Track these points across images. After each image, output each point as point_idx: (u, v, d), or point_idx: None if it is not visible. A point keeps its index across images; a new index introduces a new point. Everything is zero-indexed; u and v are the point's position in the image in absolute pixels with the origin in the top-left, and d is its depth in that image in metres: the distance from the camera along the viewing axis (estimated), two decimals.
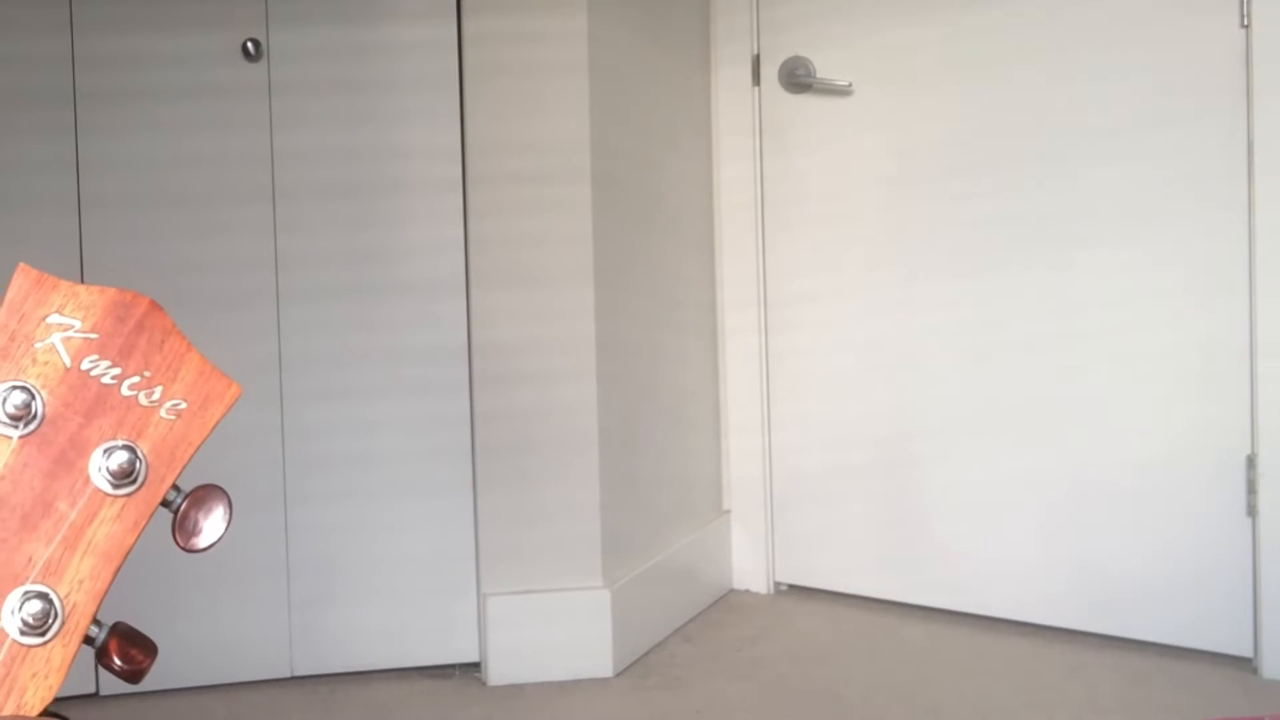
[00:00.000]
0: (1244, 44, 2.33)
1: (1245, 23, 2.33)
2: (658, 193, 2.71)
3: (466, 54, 2.41)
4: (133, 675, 0.58)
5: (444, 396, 2.43)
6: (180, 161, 2.36)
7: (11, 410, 0.54)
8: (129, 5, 2.34)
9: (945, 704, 2.32)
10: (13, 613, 0.53)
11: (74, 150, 2.32)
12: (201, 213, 2.37)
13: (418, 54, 2.41)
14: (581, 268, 2.43)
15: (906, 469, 2.73)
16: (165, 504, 0.57)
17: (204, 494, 0.58)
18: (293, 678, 2.43)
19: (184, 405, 0.57)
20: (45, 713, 0.54)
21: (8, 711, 0.53)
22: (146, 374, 0.57)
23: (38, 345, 0.56)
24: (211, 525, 0.58)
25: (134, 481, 0.56)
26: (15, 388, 0.55)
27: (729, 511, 2.92)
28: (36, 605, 0.54)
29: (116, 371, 0.56)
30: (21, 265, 0.56)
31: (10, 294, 0.56)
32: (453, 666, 2.48)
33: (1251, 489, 2.37)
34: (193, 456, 0.58)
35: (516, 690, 2.40)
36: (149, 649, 0.58)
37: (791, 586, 2.88)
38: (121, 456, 0.55)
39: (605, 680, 2.44)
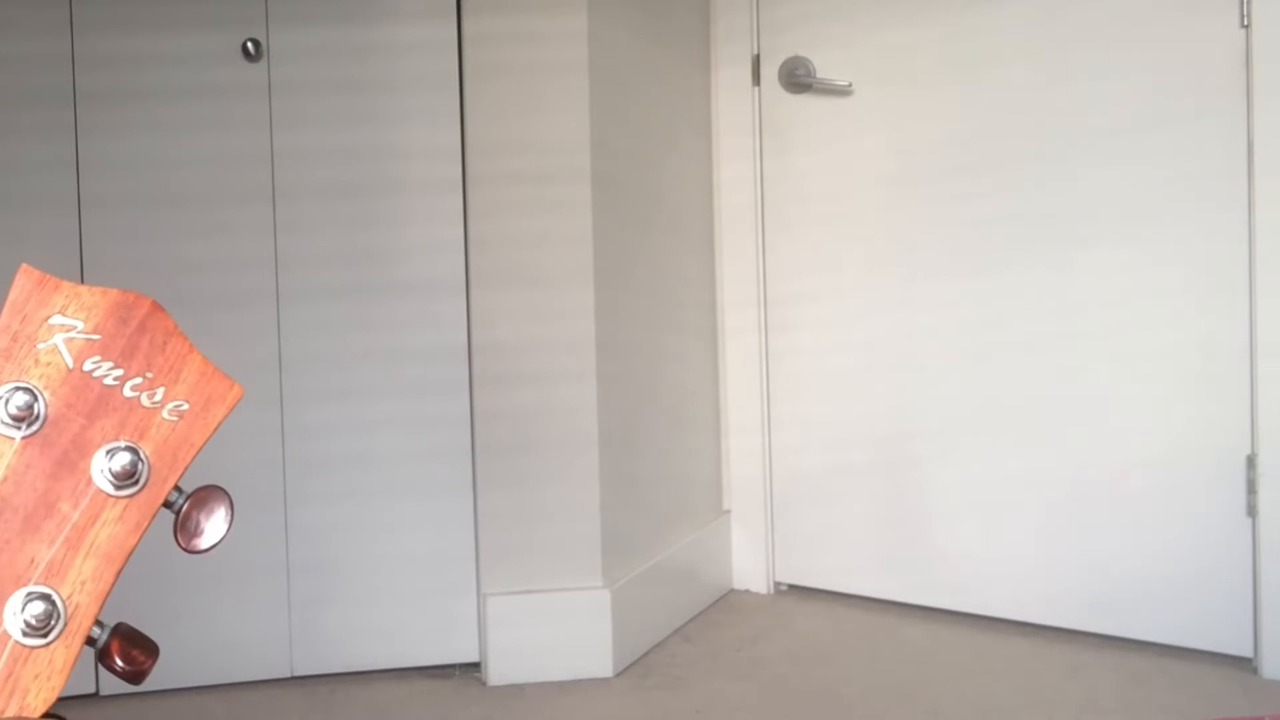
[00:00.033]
0: (1244, 44, 2.33)
1: (1245, 23, 2.33)
2: (658, 193, 2.71)
3: (466, 54, 2.41)
4: (134, 676, 0.58)
5: (444, 396, 2.43)
6: (180, 161, 2.36)
7: (14, 411, 0.54)
8: (129, 5, 2.33)
9: (945, 704, 2.32)
10: (15, 614, 0.53)
11: (74, 150, 2.32)
12: (201, 213, 2.37)
13: (418, 54, 2.41)
14: (581, 268, 2.43)
15: (906, 469, 2.73)
16: (167, 505, 0.57)
17: (206, 495, 0.58)
18: (293, 678, 2.43)
19: (186, 406, 0.57)
20: (47, 714, 0.54)
21: (10, 713, 0.53)
22: (149, 375, 0.57)
23: (40, 346, 0.56)
24: (213, 526, 0.58)
25: (136, 483, 0.56)
26: (18, 389, 0.55)
27: (729, 511, 2.92)
28: (39, 606, 0.54)
29: (119, 373, 0.56)
30: (24, 266, 0.56)
31: (12, 295, 0.56)
32: (453, 666, 2.48)
33: (1251, 489, 2.37)
34: (195, 458, 0.58)
35: (516, 690, 2.40)
36: (151, 650, 0.58)
37: (791, 586, 2.88)
38: (124, 458, 0.55)
39: (605, 680, 2.44)
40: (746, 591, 2.89)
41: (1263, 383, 2.35)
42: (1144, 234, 2.45)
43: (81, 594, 0.55)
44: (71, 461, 0.55)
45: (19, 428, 0.55)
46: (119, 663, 0.57)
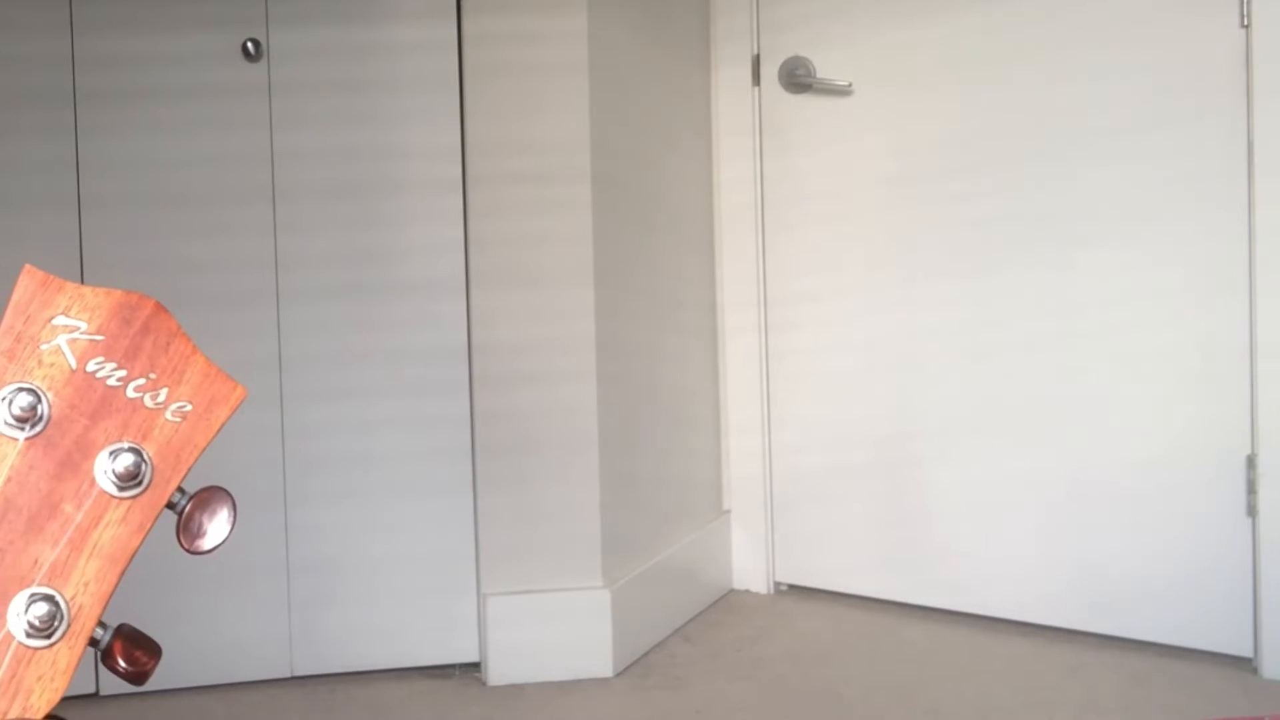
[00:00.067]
0: (1244, 44, 2.33)
1: (1245, 23, 2.33)
2: (658, 193, 2.71)
3: (466, 54, 2.41)
4: (137, 677, 0.58)
5: (444, 396, 2.43)
6: (180, 161, 2.36)
7: (17, 412, 0.54)
8: (129, 5, 2.33)
9: (945, 704, 2.32)
10: (19, 615, 0.53)
11: (74, 150, 2.32)
12: (201, 213, 2.37)
13: (418, 54, 2.41)
14: (581, 268, 2.43)
15: (906, 469, 2.73)
16: (170, 506, 0.57)
17: (208, 496, 0.58)
18: (293, 678, 2.43)
19: (189, 408, 0.57)
20: (50, 715, 0.54)
21: (13, 714, 0.53)
22: (152, 376, 0.57)
23: (43, 347, 0.55)
24: (216, 528, 0.58)
25: (139, 484, 0.56)
26: (21, 390, 0.55)
27: (729, 511, 2.92)
28: (43, 607, 0.54)
29: (122, 374, 0.56)
30: (27, 267, 0.56)
31: (16, 295, 0.56)
32: (453, 666, 2.48)
33: (1251, 489, 2.37)
34: (198, 459, 0.58)
35: (516, 690, 2.40)
36: (153, 651, 0.58)
37: (791, 586, 2.88)
38: (127, 459, 0.55)
39: (605, 680, 2.44)
40: (746, 591, 2.89)
41: (1263, 383, 2.35)
42: (1144, 234, 2.45)
43: (85, 595, 0.55)
44: (75, 463, 0.55)
45: (22, 429, 0.55)
46: (122, 664, 0.57)
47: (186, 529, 0.58)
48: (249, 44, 2.34)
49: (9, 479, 0.54)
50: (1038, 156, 2.55)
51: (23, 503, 0.54)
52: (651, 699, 2.38)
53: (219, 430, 0.58)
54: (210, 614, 2.39)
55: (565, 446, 2.45)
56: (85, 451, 0.55)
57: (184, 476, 0.57)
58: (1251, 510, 2.38)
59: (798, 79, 2.78)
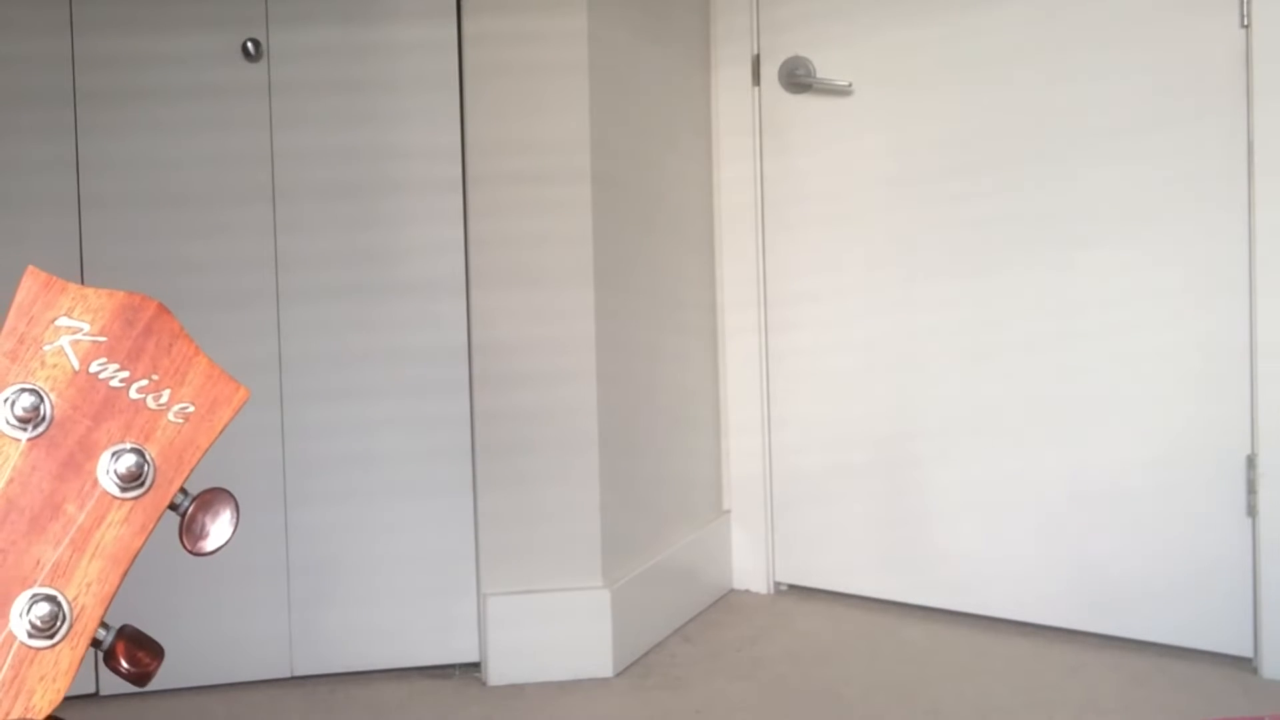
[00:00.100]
0: (1244, 44, 2.33)
1: (1245, 23, 2.33)
2: (658, 193, 2.71)
3: (466, 54, 2.41)
4: (139, 678, 0.58)
5: (444, 396, 2.43)
6: (180, 161, 2.36)
7: (20, 413, 0.54)
8: (129, 5, 2.33)
9: (945, 704, 2.33)
10: (21, 615, 0.53)
11: (74, 150, 2.32)
12: (201, 213, 2.37)
13: (418, 54, 2.41)
14: (581, 268, 2.43)
15: (906, 469, 2.73)
16: (173, 507, 0.57)
17: (211, 497, 0.58)
18: (293, 678, 2.43)
19: (192, 409, 0.57)
20: (52, 716, 0.54)
21: (15, 714, 0.53)
22: (155, 377, 0.57)
23: (46, 348, 0.55)
24: (218, 529, 0.58)
25: (142, 484, 0.56)
26: (24, 390, 0.55)
27: (729, 511, 2.92)
28: (45, 608, 0.54)
29: (125, 375, 0.56)
30: (30, 268, 0.56)
31: (19, 297, 0.56)
32: (453, 666, 2.48)
33: (1251, 489, 2.37)
34: (200, 460, 0.58)
35: (516, 690, 2.40)
36: (156, 652, 0.58)
37: (791, 586, 2.88)
38: (130, 459, 0.55)
39: (605, 680, 2.44)
40: (746, 591, 2.90)
41: (1263, 383, 2.35)
42: (1144, 234, 2.45)
43: (87, 596, 0.55)
44: (77, 463, 0.55)
45: (25, 429, 0.55)
46: (124, 664, 0.57)
47: (189, 531, 0.58)
48: (249, 44, 2.35)
49: (11, 480, 0.54)
50: (1038, 156, 2.55)
51: (25, 503, 0.54)
52: (651, 699, 2.38)
53: (222, 431, 0.58)
54: (210, 614, 2.39)
55: (565, 446, 2.45)
56: (88, 452, 0.55)
57: (186, 478, 0.57)
58: (1251, 510, 2.38)
59: (798, 79, 2.78)
